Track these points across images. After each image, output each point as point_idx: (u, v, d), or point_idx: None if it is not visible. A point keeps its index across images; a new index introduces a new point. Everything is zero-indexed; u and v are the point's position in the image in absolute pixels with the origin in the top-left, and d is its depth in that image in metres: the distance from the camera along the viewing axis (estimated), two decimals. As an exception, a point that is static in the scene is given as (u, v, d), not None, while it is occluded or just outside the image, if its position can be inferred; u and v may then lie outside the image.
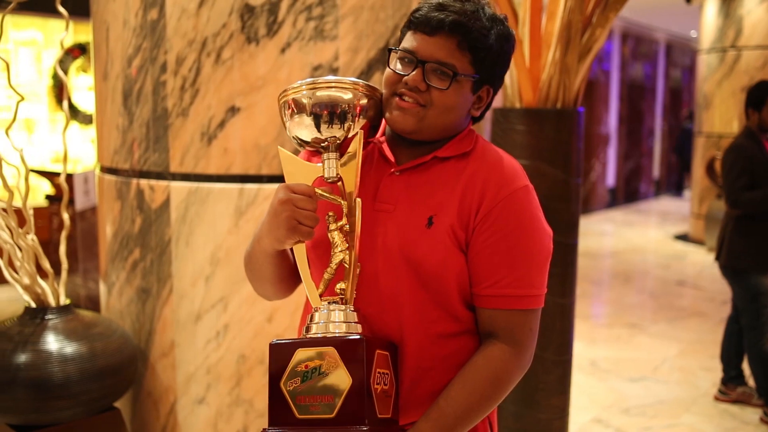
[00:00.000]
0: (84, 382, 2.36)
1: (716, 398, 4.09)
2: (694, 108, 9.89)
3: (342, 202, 1.32)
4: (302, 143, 1.35)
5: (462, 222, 1.32)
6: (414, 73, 1.30)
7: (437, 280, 1.32)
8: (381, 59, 2.37)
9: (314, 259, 1.36)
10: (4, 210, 2.48)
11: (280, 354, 1.25)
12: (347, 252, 1.29)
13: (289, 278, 1.46)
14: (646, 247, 9.31)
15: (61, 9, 2.57)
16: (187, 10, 2.38)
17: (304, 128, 1.31)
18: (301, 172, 1.34)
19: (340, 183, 1.33)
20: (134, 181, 2.60)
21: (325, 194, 1.32)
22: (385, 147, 1.39)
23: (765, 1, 8.15)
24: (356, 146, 1.31)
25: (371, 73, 2.37)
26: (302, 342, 1.25)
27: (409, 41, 1.33)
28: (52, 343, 2.38)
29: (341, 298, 1.29)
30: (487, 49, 1.32)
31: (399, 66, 1.33)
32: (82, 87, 7.53)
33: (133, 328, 2.67)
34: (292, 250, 1.40)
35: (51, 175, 6.21)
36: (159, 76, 2.47)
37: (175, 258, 2.49)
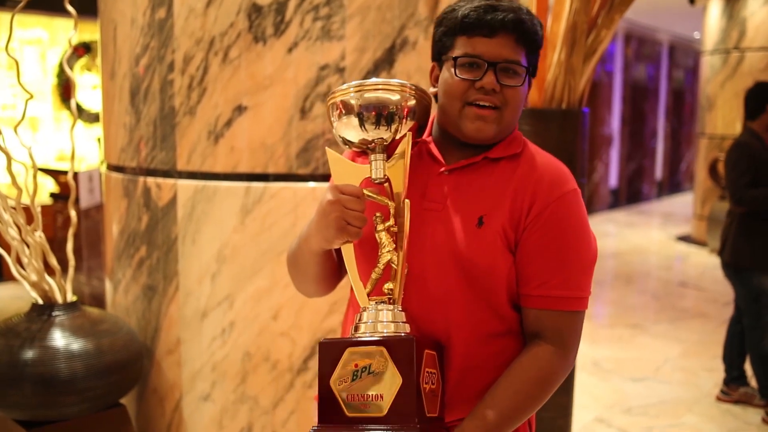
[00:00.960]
0: (90, 379, 2.38)
1: (718, 399, 4.10)
2: (697, 109, 9.89)
3: (389, 203, 1.32)
4: (349, 144, 1.35)
5: (513, 222, 1.32)
6: (487, 75, 1.30)
7: (486, 280, 1.33)
8: (387, 59, 2.39)
9: (360, 258, 1.36)
10: (13, 207, 2.50)
11: (330, 353, 1.26)
12: (395, 252, 1.30)
13: (332, 276, 1.48)
14: (648, 248, 9.32)
15: (69, 8, 2.59)
16: (195, 10, 2.40)
17: (352, 129, 1.31)
18: (349, 173, 1.35)
19: (387, 184, 1.33)
20: (141, 179, 2.62)
21: (372, 195, 1.32)
22: (433, 147, 1.40)
23: (768, 3, 8.16)
24: (404, 147, 1.31)
25: (377, 73, 2.39)
26: (352, 341, 1.25)
27: (468, 46, 1.32)
28: (59, 339, 2.39)
29: (389, 298, 1.29)
30: (538, 42, 1.36)
31: (462, 74, 1.33)
32: (86, 86, 7.55)
33: (139, 326, 2.69)
34: (336, 249, 1.41)
35: (55, 174, 6.23)
36: (166, 75, 2.49)
37: (182, 256, 2.51)
